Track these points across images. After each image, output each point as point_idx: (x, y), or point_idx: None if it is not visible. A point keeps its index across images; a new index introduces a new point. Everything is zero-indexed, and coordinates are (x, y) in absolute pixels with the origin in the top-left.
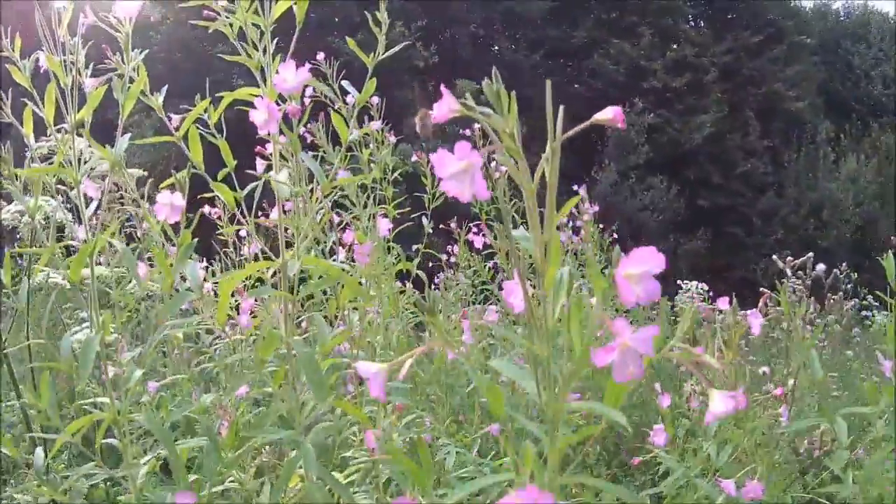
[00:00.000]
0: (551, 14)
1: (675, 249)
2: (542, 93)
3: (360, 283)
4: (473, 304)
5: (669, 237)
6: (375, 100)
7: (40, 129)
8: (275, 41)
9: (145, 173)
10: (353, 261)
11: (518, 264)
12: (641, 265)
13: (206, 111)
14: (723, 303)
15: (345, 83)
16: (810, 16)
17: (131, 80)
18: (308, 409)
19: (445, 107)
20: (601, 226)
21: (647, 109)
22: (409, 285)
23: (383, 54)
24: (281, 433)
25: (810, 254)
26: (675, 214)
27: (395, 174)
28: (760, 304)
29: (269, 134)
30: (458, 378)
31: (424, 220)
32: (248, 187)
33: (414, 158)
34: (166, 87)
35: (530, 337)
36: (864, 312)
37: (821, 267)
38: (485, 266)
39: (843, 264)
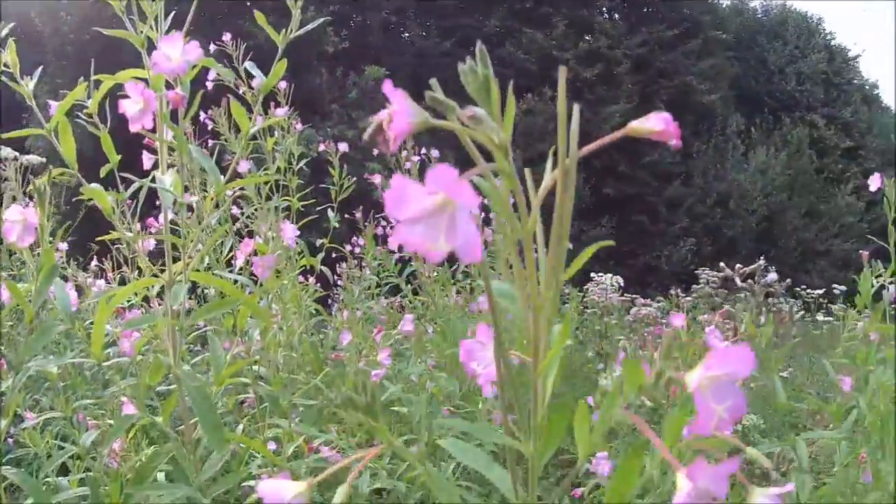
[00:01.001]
0: (464, 3)
1: (580, 236)
2: (451, 81)
3: (258, 302)
4: (376, 297)
5: (574, 224)
6: (283, 85)
7: None
8: (171, 16)
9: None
10: (253, 274)
11: (498, 324)
12: (725, 366)
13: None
14: (677, 319)
15: (249, 65)
16: (727, 12)
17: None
18: (202, 448)
19: (404, 118)
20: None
21: (556, 98)
22: (311, 280)
23: (296, 31)
24: (176, 490)
25: (761, 261)
26: (580, 202)
27: (301, 163)
28: (717, 319)
29: (143, 128)
30: None
31: (330, 213)
32: (130, 189)
33: (322, 147)
34: (38, 68)
35: (508, 427)
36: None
37: (772, 276)
38: (391, 258)
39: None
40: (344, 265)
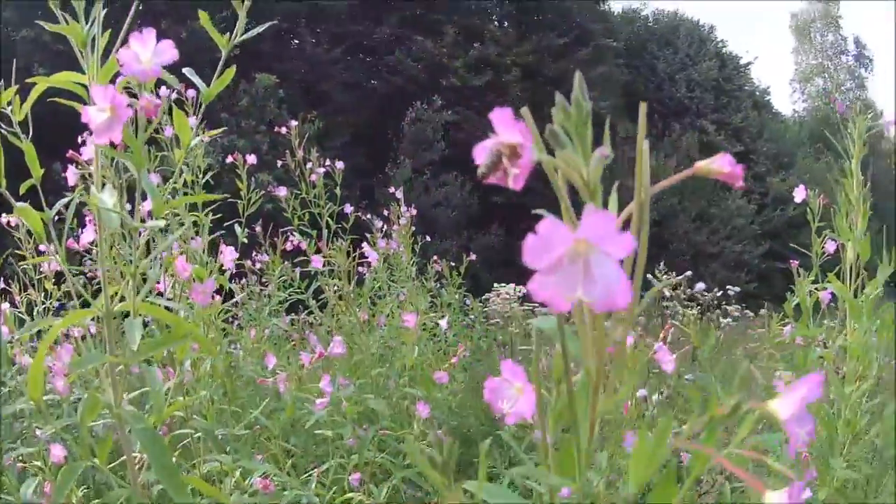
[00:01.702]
0: (355, 10)
1: (469, 245)
2: (340, 88)
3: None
4: (279, 314)
5: (463, 233)
6: (192, 93)
7: None
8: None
9: None
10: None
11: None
12: (806, 394)
13: (9, 104)
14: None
15: (188, 71)
16: (619, 20)
17: None
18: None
19: (531, 154)
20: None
21: (445, 106)
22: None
23: (241, 36)
24: None
25: (688, 272)
26: (468, 210)
27: (208, 176)
28: (663, 334)
29: (110, 142)
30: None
31: (237, 228)
32: (57, 206)
33: (229, 159)
34: None
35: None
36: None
37: (700, 286)
38: (295, 273)
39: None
40: (244, 280)
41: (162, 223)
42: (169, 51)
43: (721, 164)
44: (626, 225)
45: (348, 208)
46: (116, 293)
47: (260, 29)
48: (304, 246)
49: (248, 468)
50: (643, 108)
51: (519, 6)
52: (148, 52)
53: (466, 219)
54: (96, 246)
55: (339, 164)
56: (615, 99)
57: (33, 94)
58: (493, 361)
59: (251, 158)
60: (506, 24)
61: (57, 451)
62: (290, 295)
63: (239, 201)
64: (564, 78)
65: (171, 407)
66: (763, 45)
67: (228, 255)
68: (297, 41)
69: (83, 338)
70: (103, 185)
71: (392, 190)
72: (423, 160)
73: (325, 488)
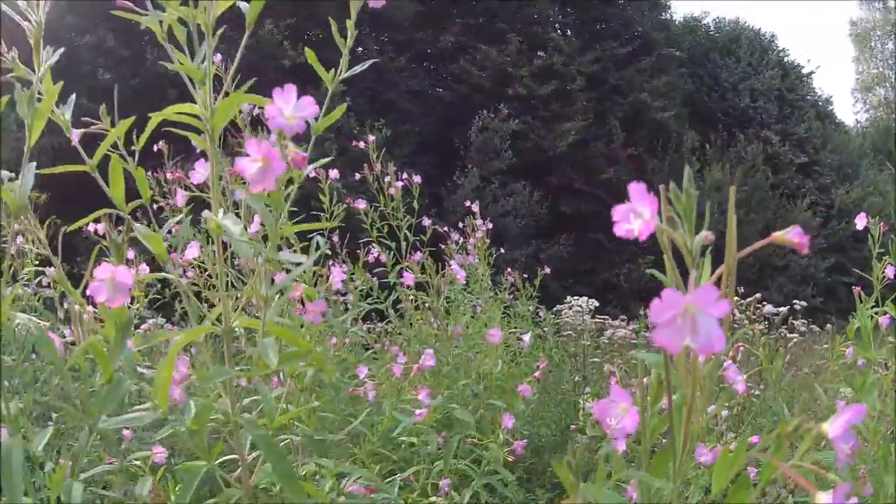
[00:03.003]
0: (418, 18)
1: (538, 254)
2: (406, 97)
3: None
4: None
5: (532, 242)
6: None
7: None
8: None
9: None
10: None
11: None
12: (851, 419)
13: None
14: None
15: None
16: (680, 29)
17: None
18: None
19: (652, 222)
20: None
21: (512, 115)
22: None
23: (345, 73)
24: None
25: (757, 295)
26: (536, 220)
27: (291, 189)
28: (733, 353)
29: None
30: None
31: (320, 240)
32: (168, 225)
33: (312, 174)
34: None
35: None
36: None
37: (769, 308)
38: (376, 283)
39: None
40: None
41: (299, 256)
42: (310, 107)
43: (793, 236)
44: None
45: (426, 221)
46: (233, 311)
47: (363, 66)
48: (383, 258)
49: (343, 472)
50: (733, 192)
51: (581, 15)
52: (290, 107)
53: (535, 228)
54: (199, 261)
55: (417, 178)
56: (679, 108)
57: (150, 126)
58: (564, 374)
59: (333, 173)
60: (568, 32)
61: (160, 452)
62: (370, 304)
63: (322, 214)
64: (629, 87)
65: (283, 416)
66: (822, 53)
67: (338, 275)
68: (361, 49)
69: (187, 349)
70: (220, 209)
71: (468, 203)
72: (491, 169)
73: (413, 492)
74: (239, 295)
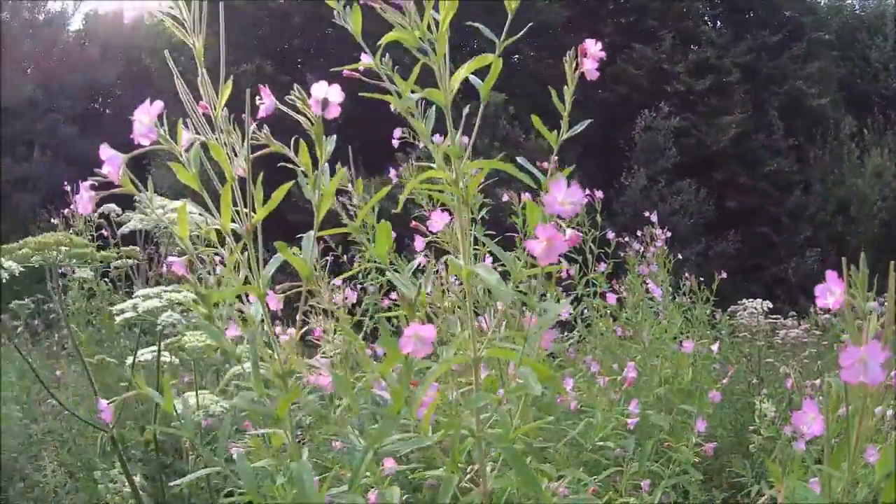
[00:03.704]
0: (571, 21)
1: (707, 252)
2: (573, 105)
3: None
4: None
5: (701, 240)
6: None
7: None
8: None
9: None
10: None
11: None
12: None
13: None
14: None
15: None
16: (826, 11)
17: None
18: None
19: (839, 299)
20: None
21: (672, 112)
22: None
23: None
24: None
25: None
26: (704, 217)
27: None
28: None
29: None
30: None
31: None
32: (410, 268)
33: (505, 198)
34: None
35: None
36: None
37: None
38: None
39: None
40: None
41: (558, 306)
42: (578, 193)
43: None
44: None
45: (610, 234)
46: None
47: (584, 125)
48: (571, 271)
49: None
50: (892, 281)
51: (729, 5)
52: (562, 194)
53: (703, 226)
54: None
55: (599, 194)
56: (832, 93)
57: (408, 188)
58: (739, 374)
59: (526, 195)
60: (719, 24)
61: (389, 464)
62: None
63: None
64: (783, 75)
65: (517, 430)
66: None
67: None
68: (518, 56)
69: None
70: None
71: (647, 214)
72: (657, 168)
73: (616, 491)
74: (493, 330)
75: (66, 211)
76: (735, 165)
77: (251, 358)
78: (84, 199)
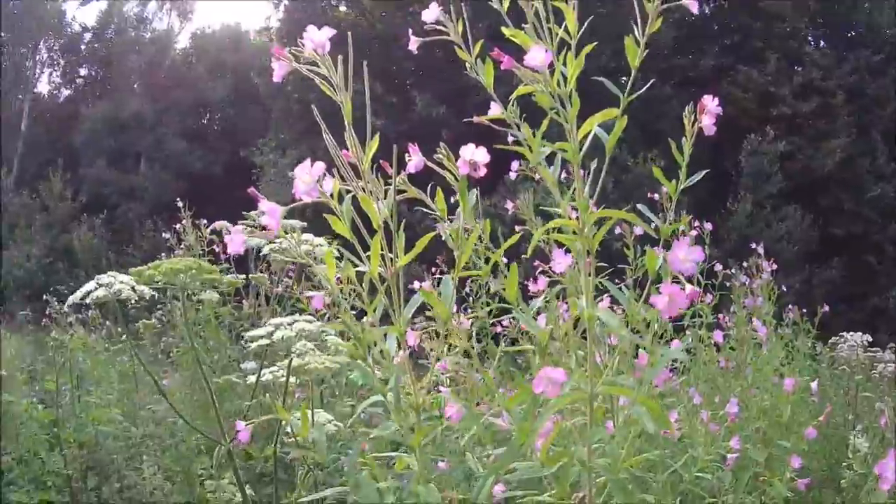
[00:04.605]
0: (677, 43)
1: (811, 280)
2: (674, 125)
3: None
4: None
5: (805, 267)
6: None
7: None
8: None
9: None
10: None
11: None
12: None
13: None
14: None
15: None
16: None
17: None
18: None
19: None
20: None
21: (778, 136)
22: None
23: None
24: None
25: None
26: (809, 244)
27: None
28: None
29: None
30: None
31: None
32: (534, 305)
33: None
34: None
35: None
36: None
37: None
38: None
39: None
40: None
41: (676, 352)
42: (699, 253)
43: None
44: None
45: (718, 266)
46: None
47: (699, 175)
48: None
49: None
50: None
51: (830, 25)
52: (683, 251)
53: (807, 253)
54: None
55: (708, 225)
56: None
57: (536, 236)
58: (835, 408)
59: (637, 230)
60: (822, 44)
61: (499, 489)
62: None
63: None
64: (886, 98)
65: (624, 462)
66: None
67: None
68: (624, 78)
69: None
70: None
71: (753, 246)
72: (763, 193)
73: None
74: (606, 367)
75: (177, 226)
76: (840, 191)
77: (393, 393)
78: (236, 242)
